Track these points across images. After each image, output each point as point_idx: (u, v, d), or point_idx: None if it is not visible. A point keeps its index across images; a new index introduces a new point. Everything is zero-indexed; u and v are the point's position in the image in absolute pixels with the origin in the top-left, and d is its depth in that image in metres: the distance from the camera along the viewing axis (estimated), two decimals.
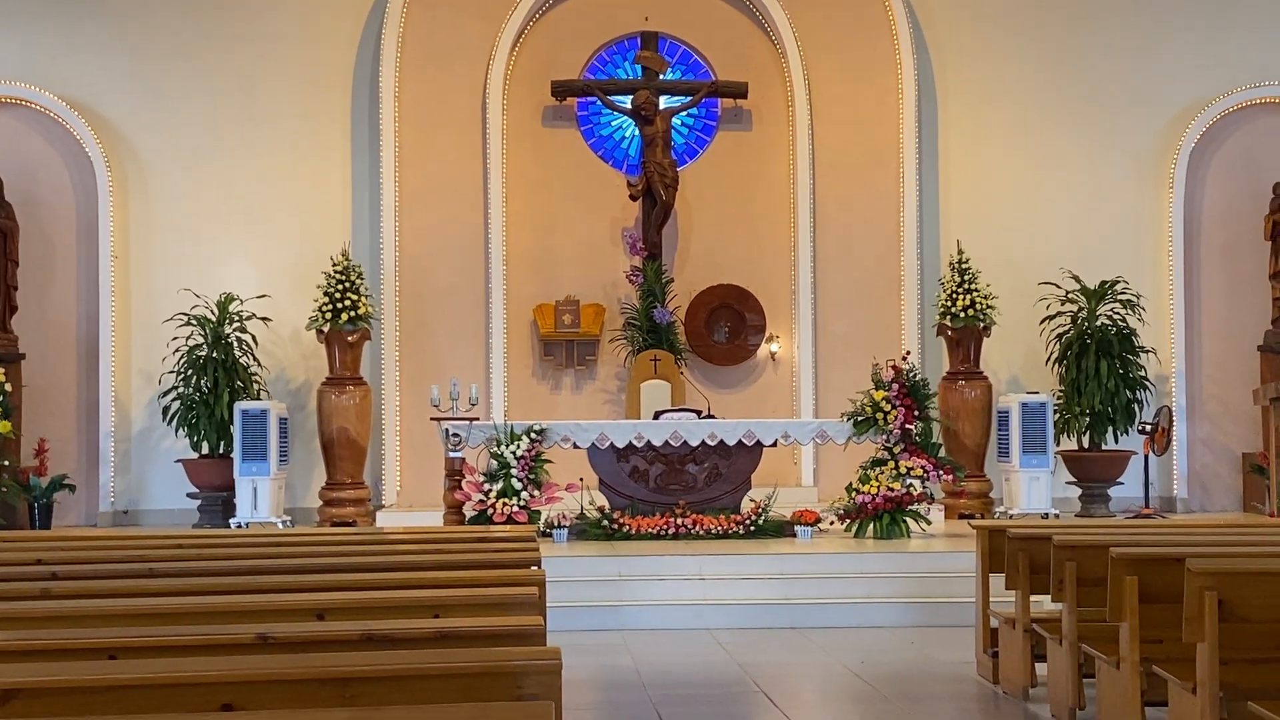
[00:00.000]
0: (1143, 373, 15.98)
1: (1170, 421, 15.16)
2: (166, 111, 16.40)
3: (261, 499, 14.81)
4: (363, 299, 15.53)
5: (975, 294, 15.87)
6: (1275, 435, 13.40)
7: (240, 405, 14.99)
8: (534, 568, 6.36)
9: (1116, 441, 15.93)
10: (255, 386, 15.70)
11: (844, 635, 10.45)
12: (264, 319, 15.89)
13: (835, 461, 15.45)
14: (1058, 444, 15.61)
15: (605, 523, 12.96)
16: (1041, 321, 16.18)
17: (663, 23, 16.97)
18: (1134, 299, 16.03)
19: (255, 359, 15.80)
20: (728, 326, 16.72)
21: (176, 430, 15.49)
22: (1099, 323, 15.99)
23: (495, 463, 13.00)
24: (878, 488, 12.98)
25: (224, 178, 16.41)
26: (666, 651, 9.90)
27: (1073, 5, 17.00)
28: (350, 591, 5.46)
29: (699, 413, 13.86)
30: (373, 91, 16.50)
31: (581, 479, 13.26)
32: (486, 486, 12.88)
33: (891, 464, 13.14)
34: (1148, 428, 15.03)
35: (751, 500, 13.28)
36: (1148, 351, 16.14)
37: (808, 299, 16.59)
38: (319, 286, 15.52)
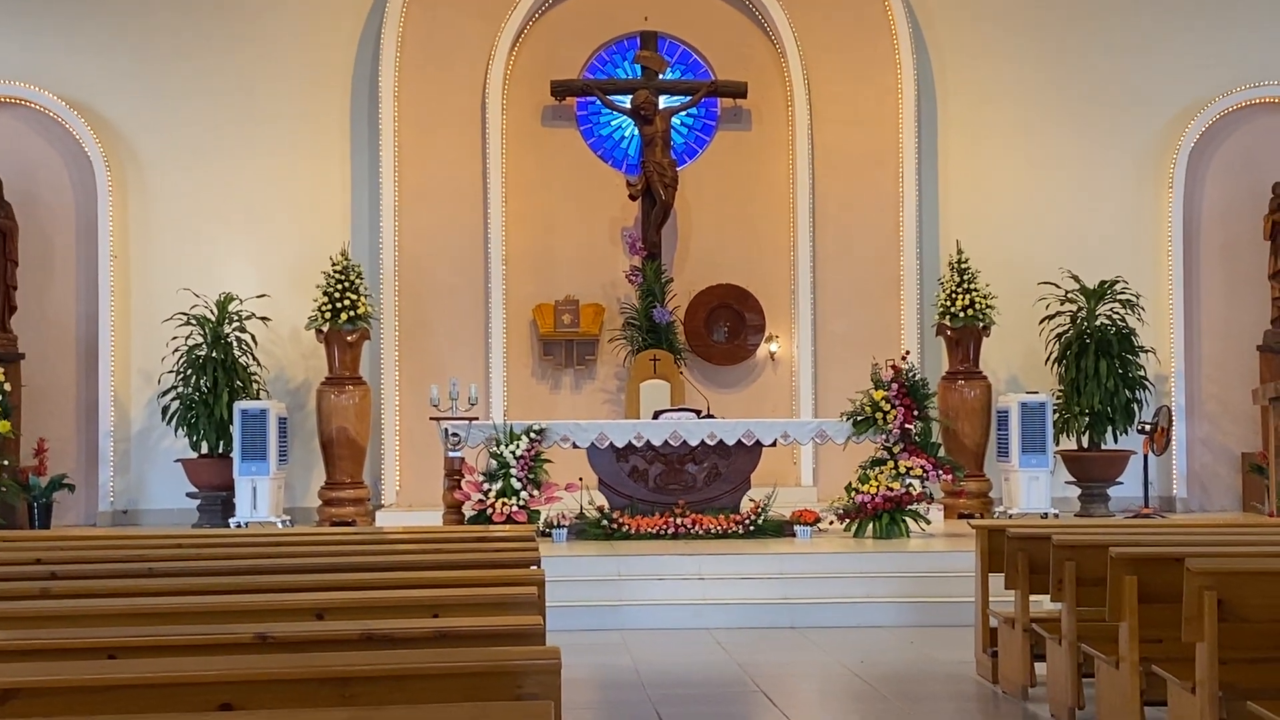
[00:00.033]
0: (1142, 372, 15.98)
1: (1169, 421, 15.17)
2: (166, 111, 16.40)
3: (261, 499, 14.82)
4: (362, 299, 15.54)
5: (975, 294, 15.87)
6: (1275, 435, 13.39)
7: (240, 405, 15.00)
8: (533, 567, 6.36)
9: (1116, 441, 15.93)
10: (255, 386, 15.70)
11: (843, 635, 10.44)
12: (263, 319, 15.89)
13: (835, 461, 15.45)
14: (1057, 444, 15.61)
15: (605, 522, 12.95)
16: (1041, 321, 16.18)
17: (662, 22, 16.97)
18: (1133, 299, 16.03)
19: (255, 359, 15.81)
20: (727, 326, 16.72)
21: (176, 430, 15.50)
22: (1098, 322, 15.99)
23: (494, 462, 13.00)
24: (877, 487, 12.98)
25: (224, 178, 16.41)
26: (666, 651, 9.90)
27: (1073, 5, 16.99)
28: (349, 591, 5.46)
29: (698, 412, 13.86)
30: (372, 91, 16.50)
31: (581, 479, 13.26)
32: (486, 486, 12.88)
33: (891, 464, 13.14)
34: (1147, 427, 15.04)
35: (751, 500, 13.28)
36: (1147, 351, 16.14)
37: (807, 299, 16.59)
38: (318, 286, 15.53)
